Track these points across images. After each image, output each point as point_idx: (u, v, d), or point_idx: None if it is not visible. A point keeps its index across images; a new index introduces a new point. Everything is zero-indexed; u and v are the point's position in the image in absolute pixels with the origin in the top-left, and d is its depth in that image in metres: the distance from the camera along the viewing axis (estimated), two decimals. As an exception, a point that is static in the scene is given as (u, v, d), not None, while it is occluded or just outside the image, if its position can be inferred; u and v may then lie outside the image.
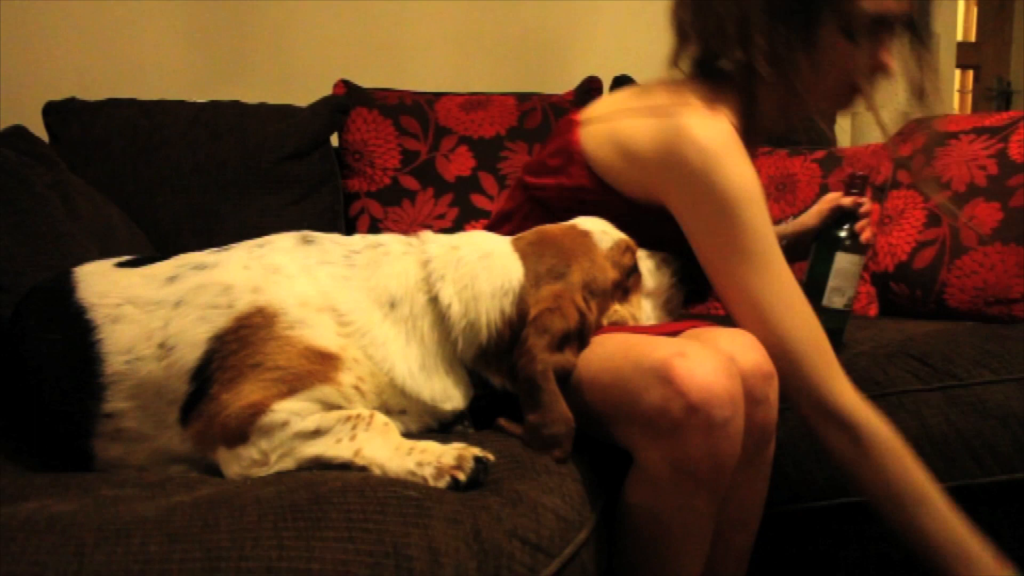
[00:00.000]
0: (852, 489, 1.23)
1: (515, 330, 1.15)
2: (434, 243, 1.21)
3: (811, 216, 1.59)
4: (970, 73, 4.30)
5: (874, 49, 1.28)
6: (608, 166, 1.32)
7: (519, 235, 1.26)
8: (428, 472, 0.98)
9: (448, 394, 1.14)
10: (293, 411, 1.00)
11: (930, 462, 1.38)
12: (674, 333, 1.18)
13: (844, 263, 1.50)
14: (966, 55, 4.15)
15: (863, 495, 1.22)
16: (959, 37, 3.89)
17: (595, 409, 1.13)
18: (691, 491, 1.06)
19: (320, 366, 1.03)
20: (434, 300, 1.15)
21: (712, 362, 1.04)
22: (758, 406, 1.13)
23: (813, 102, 1.31)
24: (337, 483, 0.92)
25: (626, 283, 1.27)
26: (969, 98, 4.33)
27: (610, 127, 1.34)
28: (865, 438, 1.19)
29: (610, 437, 1.13)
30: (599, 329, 1.22)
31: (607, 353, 1.14)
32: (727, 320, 1.26)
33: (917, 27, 1.32)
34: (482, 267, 1.17)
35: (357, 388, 1.06)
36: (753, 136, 1.36)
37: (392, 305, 1.13)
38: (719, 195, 1.20)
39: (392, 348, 1.11)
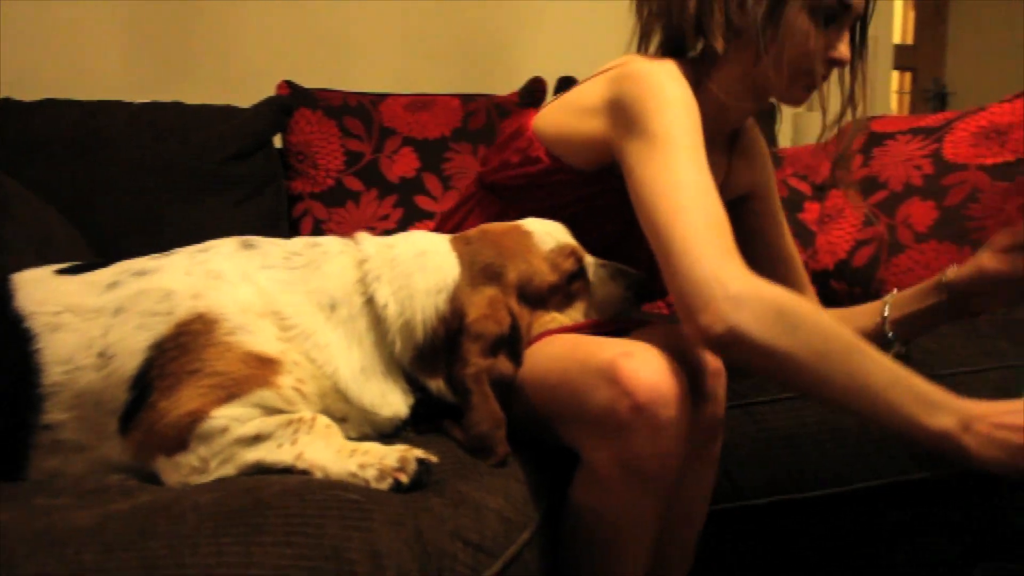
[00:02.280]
0: (783, 376, 1.07)
1: (449, 328, 1.15)
2: (370, 243, 1.21)
3: (993, 258, 1.31)
4: (907, 75, 4.40)
5: (833, 37, 1.29)
6: (560, 135, 1.32)
7: (461, 233, 1.26)
8: (371, 474, 0.98)
9: (386, 399, 1.14)
10: (233, 417, 0.99)
11: (872, 458, 1.42)
12: (623, 331, 1.18)
13: None
14: (903, 57, 4.24)
15: (799, 373, 1.05)
16: (896, 40, 3.97)
17: (543, 410, 1.13)
18: (638, 490, 1.06)
19: (260, 370, 1.02)
20: (370, 301, 1.15)
21: (658, 361, 1.04)
22: (707, 403, 1.14)
23: (772, 83, 1.31)
24: (277, 487, 0.92)
25: (568, 288, 1.25)
26: (907, 99, 4.42)
27: (562, 99, 1.37)
28: (788, 304, 1.06)
29: (558, 438, 1.14)
30: (540, 336, 1.21)
31: (554, 353, 1.14)
32: (676, 319, 1.27)
33: (863, 29, 1.35)
34: (417, 265, 1.18)
35: (298, 391, 1.05)
36: (715, 122, 1.37)
37: (332, 307, 1.13)
38: (654, 116, 1.17)
39: (335, 351, 1.11)
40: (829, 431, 1.43)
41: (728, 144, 1.51)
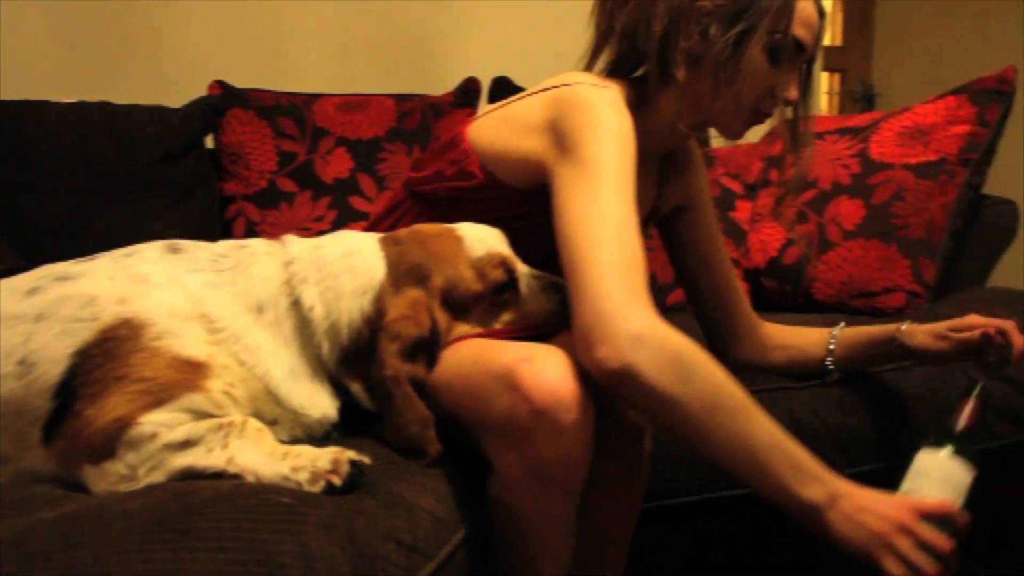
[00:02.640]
0: (669, 422, 1.07)
1: (373, 329, 1.14)
2: (297, 244, 1.20)
3: (927, 336, 1.38)
4: (837, 76, 4.49)
5: (783, 77, 1.32)
6: (495, 151, 1.31)
7: (391, 232, 1.25)
8: (303, 477, 0.98)
9: (314, 401, 1.13)
10: (161, 422, 0.98)
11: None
12: (543, 337, 1.19)
13: (939, 466, 1.12)
14: (832, 59, 4.33)
15: (684, 422, 1.06)
16: (826, 42, 4.05)
17: (453, 416, 1.13)
18: (546, 493, 1.07)
19: (188, 375, 1.01)
20: (296, 303, 1.14)
21: (559, 365, 1.04)
22: (629, 408, 1.15)
23: (719, 115, 1.33)
24: (208, 492, 0.91)
25: (496, 299, 1.22)
26: (836, 100, 4.51)
27: (500, 111, 1.36)
28: (687, 353, 1.06)
29: (471, 442, 1.14)
30: (451, 341, 1.19)
31: (459, 360, 1.14)
32: None
33: (810, 71, 1.38)
34: (345, 266, 1.16)
35: (228, 394, 1.04)
36: (656, 143, 1.39)
37: (260, 310, 1.12)
38: (589, 144, 1.17)
39: (265, 353, 1.10)
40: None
41: (664, 157, 1.53)
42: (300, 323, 1.14)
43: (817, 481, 1.05)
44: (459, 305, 1.20)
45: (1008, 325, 1.32)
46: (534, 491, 1.07)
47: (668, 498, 1.43)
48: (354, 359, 1.15)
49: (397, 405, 1.10)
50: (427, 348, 1.15)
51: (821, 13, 1.33)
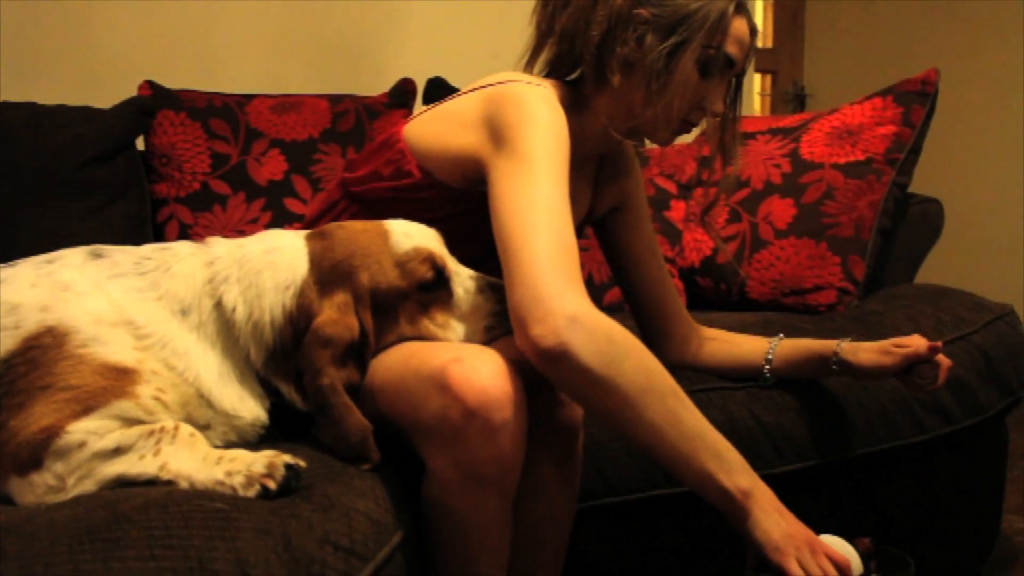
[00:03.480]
0: (599, 404, 1.09)
1: (296, 327, 1.12)
2: (220, 244, 1.18)
3: (872, 352, 1.42)
4: (768, 77, 4.57)
5: (711, 90, 1.34)
6: (432, 148, 1.31)
7: (318, 228, 1.23)
8: (238, 481, 0.97)
9: (245, 404, 1.12)
10: (90, 430, 0.96)
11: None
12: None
13: None
14: (764, 60, 4.41)
15: (615, 403, 1.08)
16: (758, 43, 4.11)
17: (386, 419, 1.13)
18: (479, 493, 1.07)
19: (116, 381, 1.00)
20: (219, 304, 1.12)
21: (490, 365, 1.05)
22: (562, 407, 1.16)
23: (648, 122, 1.35)
24: (138, 500, 0.90)
25: (424, 297, 1.19)
26: (768, 100, 4.60)
27: (436, 110, 1.37)
28: (619, 336, 1.08)
29: (406, 444, 1.14)
30: (389, 346, 1.19)
31: (391, 363, 1.14)
32: None
33: (739, 85, 1.41)
34: (266, 263, 1.15)
35: (159, 400, 1.02)
36: (590, 145, 1.41)
37: (184, 313, 1.11)
38: (524, 137, 1.18)
39: (193, 357, 1.08)
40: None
41: (599, 160, 1.54)
42: (224, 324, 1.12)
43: (742, 472, 1.09)
44: (384, 303, 1.17)
45: (939, 345, 1.38)
46: (468, 492, 1.07)
47: (607, 497, 1.44)
48: (282, 358, 1.13)
49: (336, 416, 1.09)
50: (358, 351, 1.14)
51: (753, 32, 1.36)
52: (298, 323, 1.12)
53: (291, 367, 1.13)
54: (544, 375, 1.09)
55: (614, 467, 1.44)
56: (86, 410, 0.97)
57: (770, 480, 1.13)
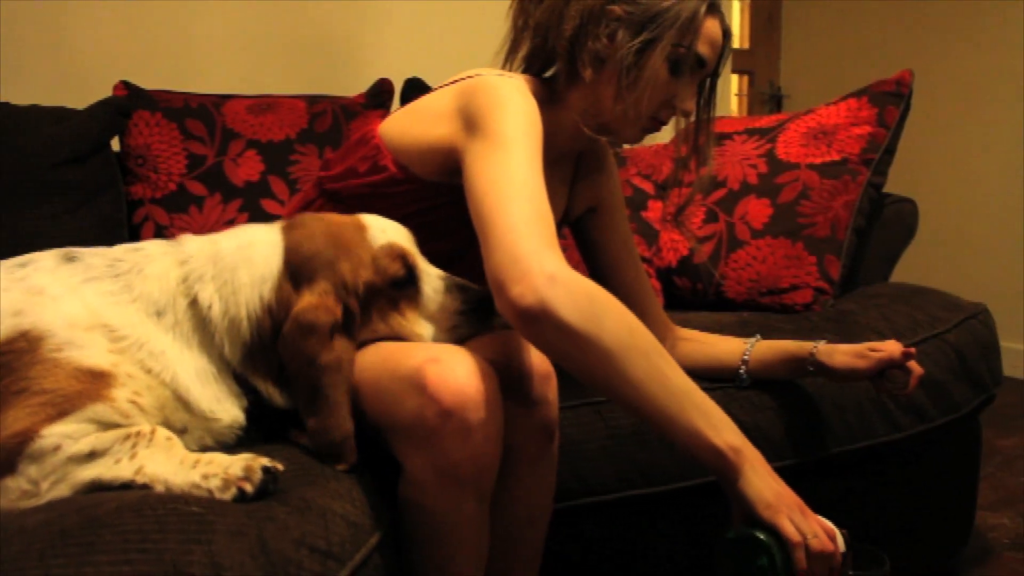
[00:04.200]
0: (582, 363, 1.07)
1: (275, 319, 1.12)
2: (193, 242, 1.17)
3: (847, 355, 1.44)
4: (745, 78, 4.60)
5: (682, 89, 1.35)
6: (407, 142, 1.32)
7: (294, 218, 1.23)
8: (214, 484, 0.96)
9: (222, 405, 1.11)
10: (65, 434, 0.95)
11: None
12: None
13: None
14: (741, 61, 4.43)
15: (598, 361, 1.06)
16: (735, 44, 4.15)
17: (363, 420, 1.13)
18: (456, 494, 1.07)
19: (92, 385, 0.99)
20: (194, 303, 1.11)
21: (465, 365, 1.05)
22: (537, 407, 1.16)
23: (618, 119, 1.36)
24: (113, 504, 0.89)
25: (394, 293, 1.19)
26: (745, 101, 4.62)
27: (410, 106, 1.38)
28: (599, 293, 1.08)
29: (383, 445, 1.14)
30: (362, 344, 1.18)
31: (367, 364, 1.14)
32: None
33: (713, 86, 1.43)
34: (242, 257, 1.14)
35: (134, 403, 1.02)
36: (564, 141, 1.42)
37: (159, 314, 1.10)
38: (496, 120, 1.19)
39: (170, 358, 1.08)
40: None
41: (575, 159, 1.56)
42: (200, 323, 1.11)
43: (732, 430, 1.09)
44: (361, 296, 1.17)
45: (912, 351, 1.40)
46: (445, 492, 1.07)
47: (584, 497, 1.44)
48: (260, 354, 1.12)
49: (323, 409, 1.09)
50: (343, 329, 1.13)
51: (726, 34, 1.38)
52: (277, 314, 1.12)
53: (271, 362, 1.12)
54: (525, 338, 1.09)
55: (591, 467, 1.44)
56: (61, 414, 0.96)
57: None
